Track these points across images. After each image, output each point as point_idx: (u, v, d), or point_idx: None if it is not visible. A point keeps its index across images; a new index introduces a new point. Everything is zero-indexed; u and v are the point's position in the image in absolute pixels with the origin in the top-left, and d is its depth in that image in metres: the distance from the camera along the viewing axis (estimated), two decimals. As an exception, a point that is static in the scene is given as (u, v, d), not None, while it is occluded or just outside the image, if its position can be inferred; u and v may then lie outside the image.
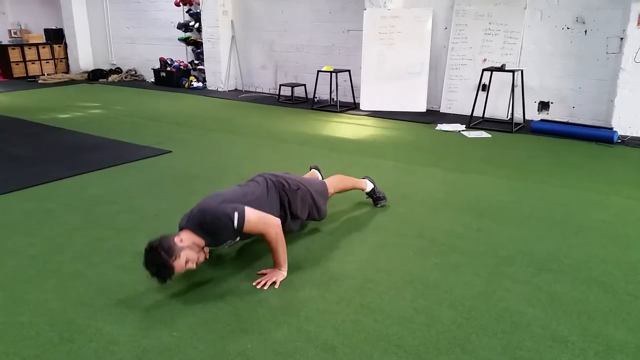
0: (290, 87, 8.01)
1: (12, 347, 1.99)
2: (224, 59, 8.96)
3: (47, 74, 10.97)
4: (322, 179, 3.38)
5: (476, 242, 2.94)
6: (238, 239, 2.57)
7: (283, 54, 8.58)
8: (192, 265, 2.34)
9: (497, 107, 6.45)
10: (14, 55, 10.83)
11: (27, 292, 2.39)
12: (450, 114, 6.86)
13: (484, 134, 5.76)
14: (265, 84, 8.95)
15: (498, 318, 2.18)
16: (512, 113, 6.05)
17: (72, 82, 10.51)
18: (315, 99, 7.65)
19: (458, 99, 6.83)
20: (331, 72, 7.30)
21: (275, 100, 8.11)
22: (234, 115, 7.06)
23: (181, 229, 2.47)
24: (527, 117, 6.27)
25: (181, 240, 2.34)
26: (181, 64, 9.75)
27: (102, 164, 4.49)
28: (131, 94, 8.88)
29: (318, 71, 7.34)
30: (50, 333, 2.07)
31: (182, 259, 2.29)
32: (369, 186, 3.47)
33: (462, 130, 5.93)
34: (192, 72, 9.72)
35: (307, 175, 3.46)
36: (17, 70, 10.88)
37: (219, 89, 9.09)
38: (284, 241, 2.53)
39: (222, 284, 2.48)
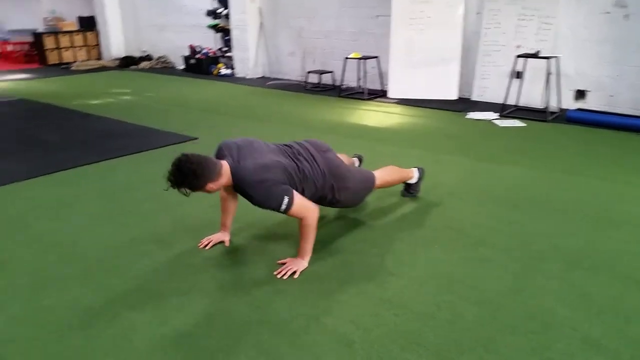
0: (317, 74, 7.91)
1: (32, 330, 2.00)
2: (252, 46, 8.92)
3: (80, 61, 11.16)
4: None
5: (506, 236, 2.82)
6: None
7: (311, 41, 8.48)
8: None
9: (531, 95, 6.23)
10: (49, 42, 11.06)
11: (51, 277, 2.40)
12: (482, 102, 6.66)
13: (517, 123, 5.57)
14: (293, 71, 8.88)
15: (527, 317, 2.08)
16: (547, 101, 5.82)
17: (104, 68, 10.66)
18: (343, 87, 7.55)
19: (490, 87, 6.61)
20: (359, 58, 7.17)
21: (303, 87, 8.03)
22: (261, 102, 7.03)
23: (223, 157, 2.39)
24: (562, 106, 6.03)
25: (216, 182, 2.28)
26: (210, 51, 9.76)
27: (129, 150, 4.51)
28: (161, 81, 8.94)
29: (346, 58, 7.23)
30: (70, 317, 2.08)
31: (199, 191, 2.29)
32: (413, 179, 3.32)
33: (495, 119, 5.75)
34: (220, 59, 9.72)
35: (348, 163, 3.35)
36: (52, 57, 11.12)
37: (247, 76, 9.07)
38: (316, 230, 2.47)
39: (243, 273, 2.45)
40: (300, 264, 2.45)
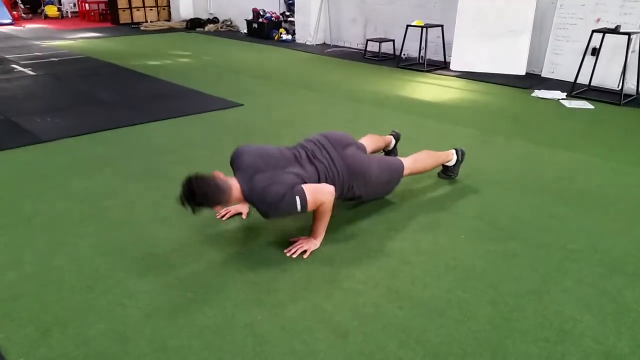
0: (377, 43, 7.61)
1: (38, 288, 2.05)
2: (314, 10, 8.71)
3: (149, 22, 11.42)
4: (395, 144, 3.31)
5: (543, 231, 2.57)
6: None
7: (374, 7, 8.14)
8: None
9: (607, 75, 5.66)
10: (122, 1, 11.39)
11: (67, 236, 2.46)
12: (552, 79, 6.15)
13: (586, 105, 5.09)
14: (354, 39, 8.61)
15: (544, 323, 1.88)
16: (623, 83, 5.26)
17: (171, 30, 10.85)
18: (403, 56, 7.22)
19: (563, 63, 6.08)
20: (422, 27, 6.80)
21: (362, 56, 7.77)
22: (317, 70, 6.88)
23: (235, 172, 2.37)
24: (642, 89, 5.44)
25: (225, 204, 2.26)
26: (273, 15, 9.66)
27: (174, 113, 4.56)
28: (222, 45, 8.98)
29: (407, 25, 6.88)
30: (74, 280, 2.11)
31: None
32: (452, 161, 3.11)
33: (562, 99, 5.29)
34: (282, 24, 9.59)
35: (380, 143, 3.18)
36: (124, 17, 11.46)
37: (307, 43, 8.90)
38: (331, 212, 2.36)
39: (252, 248, 2.39)
40: (312, 244, 2.36)
